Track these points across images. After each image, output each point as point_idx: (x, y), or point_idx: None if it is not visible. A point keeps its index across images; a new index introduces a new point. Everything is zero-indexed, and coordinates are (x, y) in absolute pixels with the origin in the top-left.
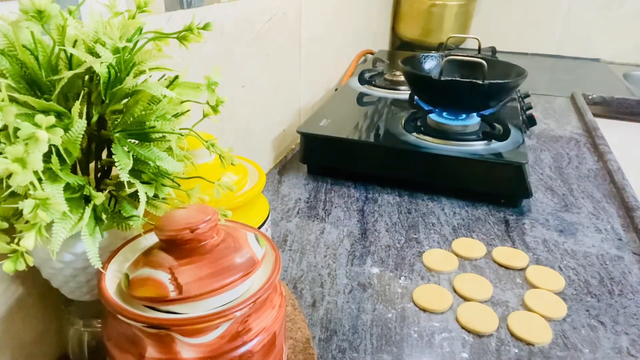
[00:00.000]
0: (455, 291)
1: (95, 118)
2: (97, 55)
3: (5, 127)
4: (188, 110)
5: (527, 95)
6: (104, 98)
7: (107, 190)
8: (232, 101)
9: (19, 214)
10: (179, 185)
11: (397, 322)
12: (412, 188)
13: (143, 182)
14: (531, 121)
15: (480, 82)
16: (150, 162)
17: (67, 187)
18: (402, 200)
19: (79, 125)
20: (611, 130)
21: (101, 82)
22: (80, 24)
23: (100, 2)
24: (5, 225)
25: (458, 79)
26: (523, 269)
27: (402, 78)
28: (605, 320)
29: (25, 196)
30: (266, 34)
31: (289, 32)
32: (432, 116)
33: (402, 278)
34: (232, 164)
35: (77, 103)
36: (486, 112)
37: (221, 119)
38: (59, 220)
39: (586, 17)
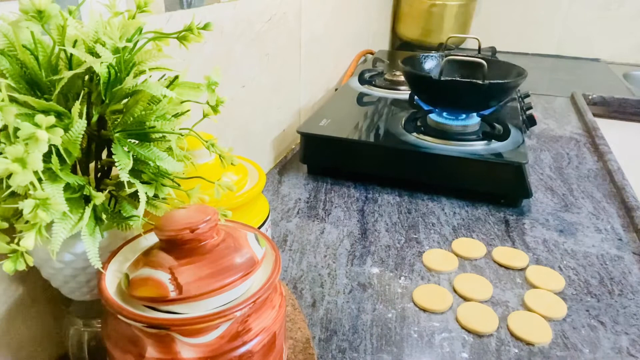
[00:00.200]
0: (455, 291)
1: (95, 118)
2: (97, 55)
3: (5, 127)
4: (188, 110)
5: (527, 95)
6: (104, 98)
7: (107, 190)
8: (232, 101)
9: (19, 214)
10: (179, 185)
11: (397, 322)
12: (412, 188)
13: (143, 182)
14: (531, 121)
15: (480, 82)
16: (150, 162)
17: (67, 187)
18: (402, 200)
19: (79, 125)
20: (611, 130)
21: (101, 82)
22: (80, 24)
23: (100, 2)
24: (5, 225)
25: (458, 79)
26: (523, 269)
27: (402, 78)
28: (605, 320)
29: (25, 196)
30: (266, 34)
31: (288, 32)
32: (432, 116)
33: (402, 278)
34: (232, 164)
35: (77, 103)
36: (486, 112)
37: (221, 119)
38: (59, 220)
39: (586, 17)
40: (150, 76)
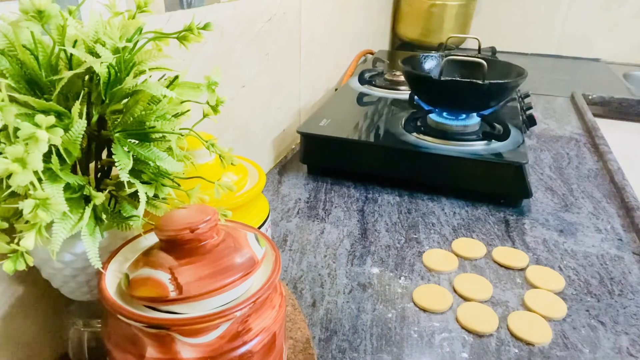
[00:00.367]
0: (455, 291)
1: (95, 118)
2: (97, 55)
3: (5, 127)
4: (188, 110)
5: (527, 95)
6: (104, 98)
7: (107, 190)
8: (232, 101)
9: (19, 214)
10: (179, 185)
11: (397, 322)
12: (412, 188)
13: (143, 182)
14: (531, 121)
15: (480, 82)
16: (150, 162)
17: (67, 187)
18: (402, 200)
19: (79, 125)
20: (611, 130)
21: (101, 82)
22: (80, 24)
23: (100, 2)
24: (5, 225)
25: (458, 79)
26: (523, 269)
27: (402, 78)
28: (605, 320)
29: (25, 196)
30: (266, 34)
31: (289, 32)
32: (432, 116)
33: (402, 278)
34: (232, 164)
35: (77, 103)
36: (486, 112)
37: (221, 119)
38: (59, 220)
39: (586, 17)
40: (150, 76)
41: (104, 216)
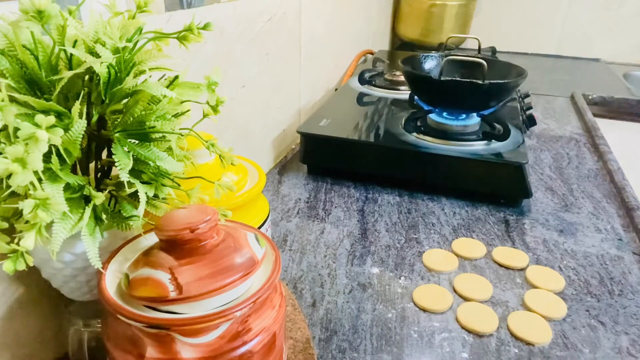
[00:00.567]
0: (455, 291)
1: (95, 118)
2: (97, 55)
3: (5, 127)
4: (188, 110)
5: (527, 95)
6: (104, 98)
7: (107, 190)
8: (232, 101)
9: (19, 214)
10: (179, 185)
11: (397, 322)
12: (412, 188)
13: (143, 182)
14: (531, 121)
15: (480, 82)
16: (150, 162)
17: (67, 187)
18: (402, 200)
19: (79, 125)
20: (611, 130)
21: (101, 82)
22: (80, 24)
23: (100, 2)
24: (5, 225)
25: (458, 79)
26: (523, 269)
27: (402, 78)
28: (605, 320)
29: (25, 196)
30: (266, 34)
31: (288, 32)
32: (432, 116)
33: (402, 278)
34: (232, 164)
35: (77, 103)
36: (486, 112)
37: (221, 119)
38: (59, 220)
39: (586, 17)
40: (150, 76)
41: (104, 216)
